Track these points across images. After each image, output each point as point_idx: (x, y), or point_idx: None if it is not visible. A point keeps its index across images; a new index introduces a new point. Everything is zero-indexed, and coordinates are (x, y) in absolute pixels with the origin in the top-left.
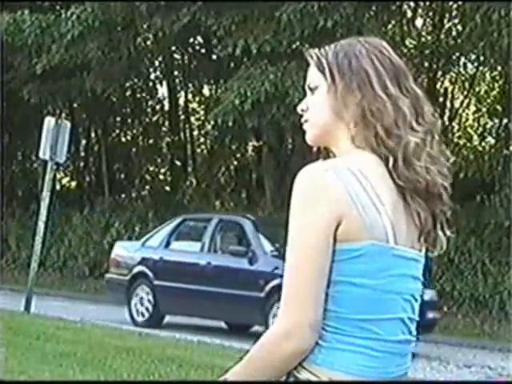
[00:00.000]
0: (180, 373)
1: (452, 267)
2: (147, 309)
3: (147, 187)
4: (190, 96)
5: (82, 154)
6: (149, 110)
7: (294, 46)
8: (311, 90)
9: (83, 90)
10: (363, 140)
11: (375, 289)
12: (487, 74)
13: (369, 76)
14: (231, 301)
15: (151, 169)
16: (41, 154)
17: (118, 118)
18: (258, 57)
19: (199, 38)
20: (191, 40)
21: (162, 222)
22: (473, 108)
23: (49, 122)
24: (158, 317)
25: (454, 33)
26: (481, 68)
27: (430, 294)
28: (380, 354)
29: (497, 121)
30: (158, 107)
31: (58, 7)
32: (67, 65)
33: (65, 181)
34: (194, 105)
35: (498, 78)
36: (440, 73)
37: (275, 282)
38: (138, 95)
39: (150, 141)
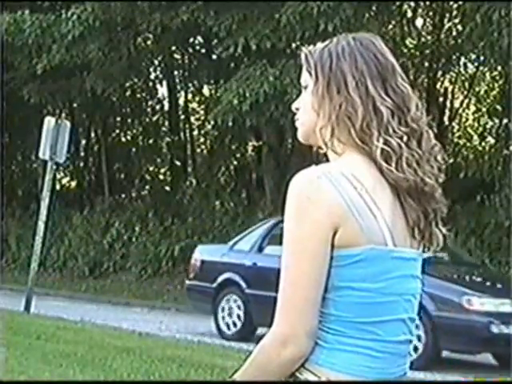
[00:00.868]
0: (180, 373)
1: None
2: (237, 320)
3: (147, 187)
4: (190, 96)
5: (82, 154)
6: (149, 110)
7: (293, 45)
8: (304, 88)
9: (83, 90)
10: (343, 141)
11: (376, 292)
12: (487, 74)
13: (345, 76)
14: None
15: (151, 169)
16: (41, 154)
17: (118, 118)
18: (257, 56)
19: (199, 38)
20: (191, 40)
21: (162, 221)
22: (473, 108)
23: (49, 122)
24: (249, 329)
25: (454, 33)
26: (481, 68)
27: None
28: (381, 354)
29: (497, 121)
30: (157, 107)
31: (58, 7)
32: (67, 65)
33: (65, 181)
34: (194, 105)
35: (497, 78)
36: (440, 73)
37: None
38: (138, 95)
39: (150, 141)
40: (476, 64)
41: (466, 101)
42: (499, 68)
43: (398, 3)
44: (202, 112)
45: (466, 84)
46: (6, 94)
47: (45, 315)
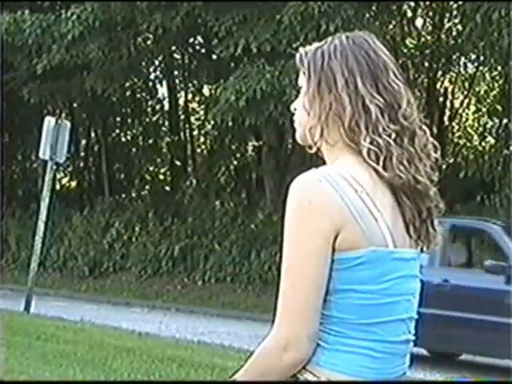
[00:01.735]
0: (180, 373)
1: None
2: None
3: (147, 187)
4: (190, 96)
5: (82, 153)
6: (149, 109)
7: (294, 46)
8: (301, 89)
9: (83, 90)
10: (333, 141)
11: (377, 293)
12: (487, 74)
13: (334, 75)
14: (481, 329)
15: (151, 169)
16: (41, 154)
17: (118, 118)
18: (257, 56)
19: (199, 38)
20: (191, 40)
21: (162, 221)
22: (473, 108)
23: (49, 121)
24: None
25: (454, 33)
26: (481, 68)
27: None
28: (381, 355)
29: (497, 121)
30: (158, 107)
31: (58, 7)
32: (67, 65)
33: (65, 181)
34: (194, 105)
35: (497, 78)
36: (440, 73)
37: None
38: (138, 95)
39: (150, 141)
40: (476, 64)
41: (466, 101)
42: (499, 68)
43: (398, 3)
44: (201, 112)
45: (466, 84)
46: (6, 94)
47: (45, 315)
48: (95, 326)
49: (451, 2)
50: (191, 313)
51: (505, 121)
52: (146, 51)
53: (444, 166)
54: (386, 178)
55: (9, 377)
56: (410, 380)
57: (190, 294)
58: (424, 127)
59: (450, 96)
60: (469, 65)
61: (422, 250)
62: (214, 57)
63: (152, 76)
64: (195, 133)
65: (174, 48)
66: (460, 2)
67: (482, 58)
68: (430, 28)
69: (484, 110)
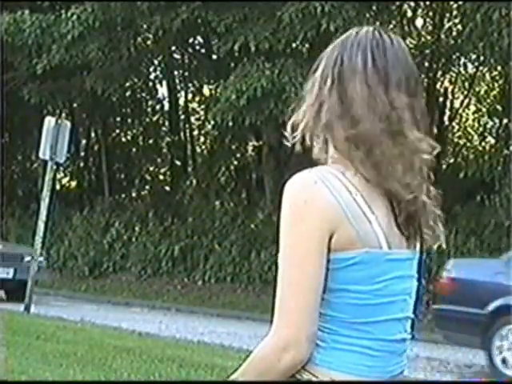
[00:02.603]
0: (180, 373)
1: None
2: None
3: (147, 187)
4: (190, 96)
5: (82, 153)
6: (149, 109)
7: (293, 45)
8: None
9: (83, 90)
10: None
11: (371, 294)
12: (487, 74)
13: (320, 78)
14: None
15: (151, 169)
16: (41, 154)
17: (118, 118)
18: (256, 55)
19: (199, 38)
20: (191, 40)
21: (162, 221)
22: (473, 108)
23: (49, 122)
24: None
25: (454, 33)
26: (481, 68)
27: None
28: (378, 353)
29: (497, 121)
30: (158, 107)
31: (58, 7)
32: (67, 65)
33: (65, 181)
34: (194, 105)
35: (497, 78)
36: (440, 73)
37: None
38: (138, 95)
39: (150, 141)
40: (476, 64)
41: (466, 101)
42: (499, 68)
43: (397, 3)
44: (202, 112)
45: (466, 84)
46: (6, 94)
47: (45, 315)
48: (95, 326)
49: (451, 2)
50: (191, 313)
51: (505, 121)
52: (146, 51)
53: (444, 166)
54: (374, 183)
55: (9, 377)
56: (410, 380)
57: (190, 294)
58: (420, 128)
59: (450, 96)
60: (469, 65)
61: (421, 250)
62: (214, 57)
63: (152, 76)
64: (195, 133)
65: (173, 48)
66: (460, 2)
67: (482, 57)
68: (430, 28)
69: (484, 110)
